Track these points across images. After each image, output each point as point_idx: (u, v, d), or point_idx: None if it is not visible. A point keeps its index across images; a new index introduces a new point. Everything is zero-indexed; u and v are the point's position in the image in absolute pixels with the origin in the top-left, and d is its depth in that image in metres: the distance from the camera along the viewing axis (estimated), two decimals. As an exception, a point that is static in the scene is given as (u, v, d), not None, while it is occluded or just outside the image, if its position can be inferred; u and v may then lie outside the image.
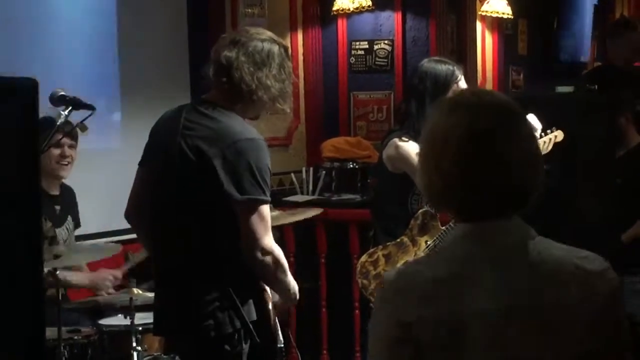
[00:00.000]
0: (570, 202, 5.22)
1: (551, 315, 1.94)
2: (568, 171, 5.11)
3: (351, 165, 6.55)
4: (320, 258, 6.13)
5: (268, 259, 3.41)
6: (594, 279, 1.98)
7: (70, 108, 3.82)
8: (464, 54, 7.57)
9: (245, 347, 3.46)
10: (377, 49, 7.15)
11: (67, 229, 4.99)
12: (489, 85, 9.05)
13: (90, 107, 3.88)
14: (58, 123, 3.75)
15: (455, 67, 4.39)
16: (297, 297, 3.62)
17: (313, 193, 6.57)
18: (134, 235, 5.32)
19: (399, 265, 4.39)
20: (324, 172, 6.56)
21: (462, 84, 4.40)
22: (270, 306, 3.57)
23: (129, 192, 3.75)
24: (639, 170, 5.59)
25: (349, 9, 6.97)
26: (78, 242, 5.11)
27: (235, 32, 3.73)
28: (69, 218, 5.01)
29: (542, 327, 1.94)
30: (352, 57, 7.23)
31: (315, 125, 7.19)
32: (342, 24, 7.20)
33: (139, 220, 3.72)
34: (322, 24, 7.26)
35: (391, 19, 7.09)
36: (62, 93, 3.83)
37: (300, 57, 7.20)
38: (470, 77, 7.66)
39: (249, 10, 6.78)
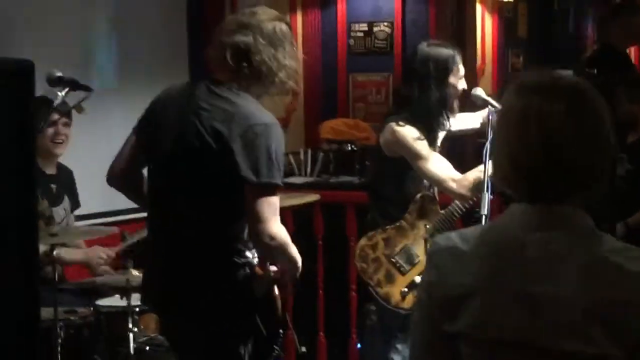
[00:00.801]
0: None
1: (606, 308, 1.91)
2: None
3: (349, 147, 6.54)
4: (318, 240, 6.10)
5: (275, 243, 3.38)
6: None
7: (67, 89, 3.79)
8: (463, 37, 7.56)
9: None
10: (377, 31, 7.13)
11: (64, 209, 4.97)
12: (488, 69, 9.04)
13: (87, 88, 3.85)
14: (55, 104, 3.72)
15: (455, 50, 4.37)
16: (300, 266, 3.60)
17: (311, 174, 6.56)
18: (132, 216, 5.36)
19: (397, 248, 4.38)
20: (321, 153, 6.54)
21: (462, 67, 4.38)
22: (275, 290, 3.57)
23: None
24: None
25: (348, -9, 6.97)
26: (76, 223, 5.09)
27: (240, 14, 3.63)
28: (66, 198, 4.99)
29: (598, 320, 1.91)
30: (351, 39, 7.22)
31: (314, 107, 7.17)
32: (341, 5, 7.18)
33: (124, 183, 3.72)
34: (321, 5, 7.24)
35: (391, 1, 7.06)
36: (59, 74, 3.80)
37: (300, 39, 7.18)
38: (470, 60, 7.65)
39: (248, -8, 6.75)
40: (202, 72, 3.68)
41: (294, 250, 3.51)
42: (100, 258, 4.78)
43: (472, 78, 7.72)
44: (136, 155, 3.62)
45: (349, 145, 6.54)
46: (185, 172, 3.43)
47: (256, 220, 3.35)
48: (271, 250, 3.42)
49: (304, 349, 5.75)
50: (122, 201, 5.43)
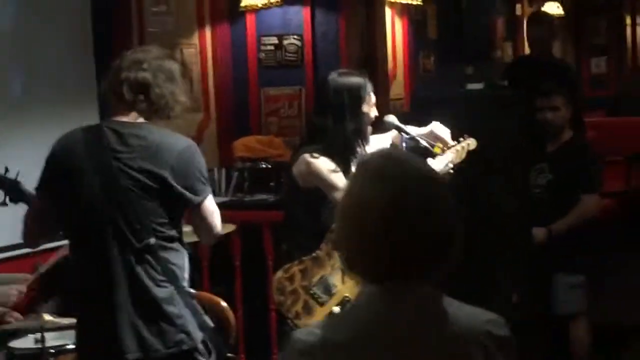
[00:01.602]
0: (486, 200, 5.25)
1: None
2: (483, 168, 5.11)
3: (263, 165, 6.51)
4: (235, 261, 6.07)
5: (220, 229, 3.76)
6: (503, 343, 2.04)
7: None
8: (374, 43, 7.57)
9: (212, 357, 3.63)
10: (287, 44, 7.10)
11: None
12: (400, 72, 9.07)
13: None
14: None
15: (365, 79, 4.36)
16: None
17: (226, 194, 6.51)
18: (44, 246, 5.26)
19: (314, 279, 4.36)
20: (236, 173, 6.49)
21: (373, 95, 4.38)
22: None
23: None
24: (569, 166, 5.64)
25: (257, 5, 6.90)
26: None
27: (135, 51, 3.72)
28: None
29: None
30: (262, 53, 7.18)
31: (226, 122, 7.12)
32: (250, 19, 7.14)
33: (41, 243, 3.82)
34: (230, 19, 7.18)
35: (300, 14, 7.05)
36: None
37: (209, 54, 7.12)
38: (382, 65, 7.68)
39: (155, 9, 6.67)
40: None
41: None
42: (12, 296, 4.68)
43: (384, 82, 7.78)
44: (49, 220, 3.64)
45: (263, 163, 6.51)
46: (123, 213, 3.47)
47: (206, 230, 3.71)
48: (216, 238, 3.81)
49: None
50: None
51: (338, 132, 4.28)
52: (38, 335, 4.24)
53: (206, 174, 3.67)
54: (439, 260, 2.03)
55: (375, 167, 2.07)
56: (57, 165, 3.59)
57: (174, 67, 3.69)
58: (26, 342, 4.40)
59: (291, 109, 7.10)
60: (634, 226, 7.95)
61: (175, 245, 3.60)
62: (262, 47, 7.17)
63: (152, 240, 3.49)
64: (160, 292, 3.52)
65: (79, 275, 3.63)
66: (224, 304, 3.77)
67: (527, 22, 8.01)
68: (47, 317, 4.23)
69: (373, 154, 2.15)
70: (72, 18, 6.18)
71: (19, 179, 4.31)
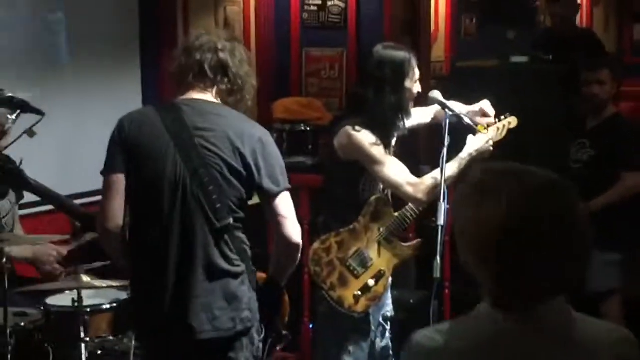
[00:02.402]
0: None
1: None
2: (523, 145, 5.08)
3: (302, 128, 6.47)
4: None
5: (297, 240, 3.62)
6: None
7: (18, 112, 3.70)
8: (417, 5, 7.49)
9: (261, 337, 3.65)
10: (330, 5, 7.04)
11: (9, 201, 4.89)
12: (441, 34, 9.02)
13: (39, 112, 3.76)
14: (6, 127, 3.63)
15: (410, 55, 4.33)
16: None
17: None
18: (81, 200, 5.30)
19: (351, 252, 4.37)
20: (275, 134, 6.47)
21: (417, 71, 4.35)
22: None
23: (104, 201, 3.57)
24: (610, 143, 5.60)
25: (302, -35, 6.87)
26: (20, 212, 5.03)
27: (205, 34, 3.66)
28: (11, 190, 4.90)
29: None
30: (305, 13, 7.13)
31: (267, 82, 7.09)
32: (295, -22, 7.09)
33: (123, 237, 3.59)
34: (274, -22, 7.14)
35: (345, -24, 6.98)
36: (9, 94, 3.71)
37: (252, 13, 7.09)
38: (424, 27, 7.61)
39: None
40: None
41: None
42: (51, 256, 4.72)
43: (426, 43, 7.71)
44: (124, 199, 3.55)
45: (302, 125, 6.48)
46: (208, 193, 3.44)
47: (282, 221, 3.58)
48: (295, 249, 3.63)
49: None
50: (71, 186, 5.41)
51: (378, 105, 4.26)
52: (75, 293, 4.29)
53: (284, 166, 3.63)
54: (565, 279, 1.94)
55: (490, 184, 1.95)
56: (136, 147, 3.52)
57: (244, 51, 3.70)
58: (63, 300, 4.46)
59: (332, 71, 7.06)
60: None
61: (245, 225, 3.58)
62: (306, 8, 7.12)
63: (231, 220, 3.48)
64: (234, 271, 3.51)
65: (150, 253, 3.55)
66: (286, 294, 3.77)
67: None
68: (85, 278, 4.27)
69: (490, 168, 2.00)
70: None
71: (21, 167, 4.33)
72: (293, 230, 3.60)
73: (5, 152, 4.84)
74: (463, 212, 1.96)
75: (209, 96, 3.59)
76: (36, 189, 4.64)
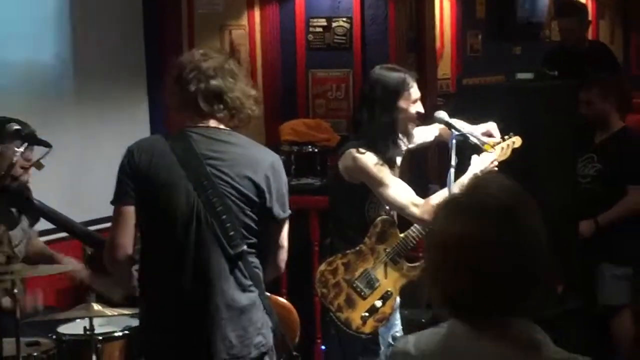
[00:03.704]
0: (533, 190, 5.23)
1: None
2: (530, 162, 5.09)
3: (310, 149, 6.51)
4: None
5: (283, 266, 3.71)
6: None
7: (25, 144, 3.73)
8: (422, 23, 7.53)
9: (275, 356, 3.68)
10: (336, 27, 7.08)
11: (22, 229, 4.93)
12: (447, 51, 9.03)
13: (47, 145, 3.79)
14: (13, 160, 3.66)
15: (407, 75, 4.35)
16: None
17: (272, 176, 6.52)
18: (91, 228, 5.34)
19: (357, 273, 4.40)
20: (282, 156, 6.50)
21: (415, 91, 4.36)
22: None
23: (114, 226, 3.57)
24: (617, 157, 5.61)
25: (306, -13, 6.92)
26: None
27: (194, 58, 3.61)
28: (24, 217, 4.95)
29: None
30: (310, 35, 7.16)
31: (274, 104, 7.13)
32: (300, 1, 7.12)
33: (132, 263, 3.63)
34: (279, 1, 7.17)
35: (349, -4, 7.02)
36: (17, 127, 3.74)
37: (258, 36, 7.12)
38: (429, 44, 7.64)
39: (205, -12, 6.69)
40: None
41: None
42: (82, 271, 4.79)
43: (432, 61, 7.74)
44: (135, 230, 3.56)
45: (309, 146, 6.51)
46: (221, 222, 3.44)
47: (279, 249, 3.63)
48: (277, 275, 3.77)
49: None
50: (81, 213, 5.44)
51: (371, 126, 4.30)
52: (87, 321, 4.32)
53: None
54: (523, 297, 1.99)
55: (458, 199, 2.05)
56: (147, 178, 3.51)
57: (233, 64, 3.64)
58: (74, 329, 4.49)
59: (339, 92, 7.09)
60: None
61: (259, 249, 3.58)
62: (311, 29, 7.15)
63: (244, 247, 3.47)
64: (248, 298, 3.51)
65: (164, 283, 3.55)
66: (291, 307, 3.76)
67: (556, 13, 7.91)
68: (96, 306, 4.30)
69: (464, 184, 2.16)
70: (122, 1, 6.22)
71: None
72: (284, 259, 3.67)
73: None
74: (436, 222, 2.07)
75: (214, 122, 3.56)
76: (48, 214, 4.68)
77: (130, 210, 3.52)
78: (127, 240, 3.54)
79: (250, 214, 3.47)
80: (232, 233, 3.44)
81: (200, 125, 3.56)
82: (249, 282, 3.51)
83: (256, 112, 3.67)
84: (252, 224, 3.50)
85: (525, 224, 1.99)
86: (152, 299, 3.62)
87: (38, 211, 4.21)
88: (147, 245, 3.59)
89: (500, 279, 1.95)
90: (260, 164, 3.50)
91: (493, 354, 1.98)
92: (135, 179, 3.53)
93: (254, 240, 3.52)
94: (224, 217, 3.43)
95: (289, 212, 3.60)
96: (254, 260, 3.55)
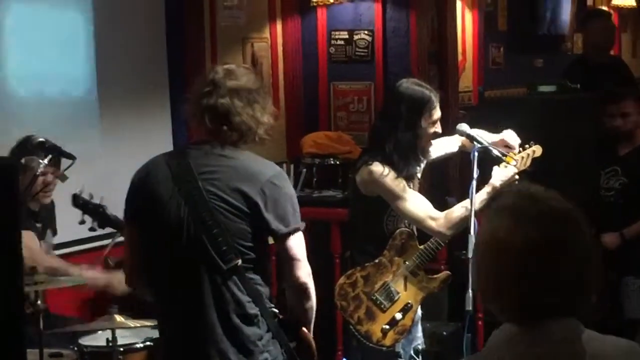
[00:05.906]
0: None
1: None
2: (552, 174, 5.08)
3: (332, 161, 6.54)
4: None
5: (311, 282, 3.57)
6: None
7: (50, 156, 3.77)
8: (444, 36, 7.54)
9: None
10: (357, 39, 7.12)
11: (47, 242, 4.98)
12: (469, 64, 9.04)
13: (71, 157, 3.82)
14: (37, 172, 3.70)
15: (432, 94, 4.33)
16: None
17: (294, 189, 6.55)
18: (110, 240, 5.37)
19: (377, 286, 4.40)
20: (304, 169, 6.54)
21: (437, 112, 4.34)
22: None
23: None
24: None
25: (328, 0, 6.94)
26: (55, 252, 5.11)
27: (213, 72, 3.56)
28: (48, 232, 5.00)
29: None
30: (332, 47, 7.21)
31: (296, 117, 7.17)
32: (321, 13, 7.17)
33: (145, 279, 3.63)
34: (301, 13, 7.22)
35: (371, 10, 7.06)
36: (41, 139, 3.78)
37: (280, 48, 7.17)
38: (451, 56, 7.66)
39: (227, 3, 6.74)
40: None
41: (314, 295, 3.64)
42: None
43: (454, 74, 7.75)
44: (145, 242, 3.56)
45: (331, 159, 6.54)
46: (212, 235, 3.39)
47: (291, 262, 3.51)
48: (307, 291, 3.57)
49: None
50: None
51: (391, 140, 4.29)
52: (109, 333, 4.35)
53: (297, 206, 3.54)
54: (575, 301, 2.03)
55: (511, 206, 2.07)
56: (142, 194, 3.53)
57: (253, 83, 3.56)
58: (97, 340, 4.53)
59: (360, 105, 7.12)
60: None
61: (261, 265, 3.51)
62: (333, 42, 7.20)
63: (239, 262, 3.40)
64: (248, 314, 3.44)
65: (166, 297, 3.56)
66: (304, 329, 3.72)
67: (581, 22, 7.89)
68: (119, 318, 4.33)
69: (510, 191, 2.15)
70: (145, 14, 6.27)
71: (103, 203, 4.41)
72: (301, 272, 3.53)
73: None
74: (488, 228, 2.08)
75: (219, 140, 3.50)
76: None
77: (133, 231, 3.59)
78: (135, 260, 3.59)
79: (245, 227, 3.41)
80: (224, 247, 3.38)
81: (204, 139, 3.53)
82: (248, 299, 3.44)
83: (266, 138, 3.57)
84: (248, 238, 3.42)
85: (585, 231, 2.05)
86: (159, 313, 3.66)
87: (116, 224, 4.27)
88: (147, 260, 3.58)
89: (563, 285, 2.00)
90: (256, 177, 3.42)
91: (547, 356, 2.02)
92: (135, 197, 3.57)
93: (251, 255, 3.44)
94: (215, 231, 3.38)
95: (294, 227, 3.48)
96: (254, 276, 3.46)
